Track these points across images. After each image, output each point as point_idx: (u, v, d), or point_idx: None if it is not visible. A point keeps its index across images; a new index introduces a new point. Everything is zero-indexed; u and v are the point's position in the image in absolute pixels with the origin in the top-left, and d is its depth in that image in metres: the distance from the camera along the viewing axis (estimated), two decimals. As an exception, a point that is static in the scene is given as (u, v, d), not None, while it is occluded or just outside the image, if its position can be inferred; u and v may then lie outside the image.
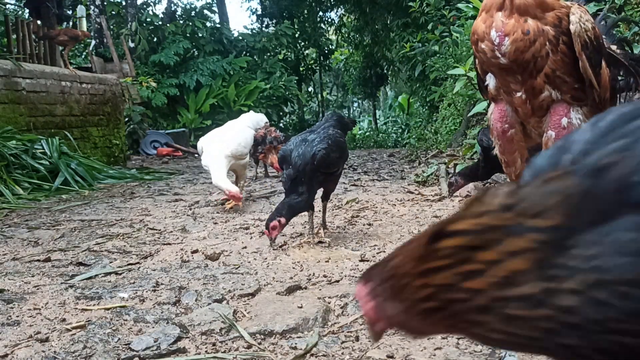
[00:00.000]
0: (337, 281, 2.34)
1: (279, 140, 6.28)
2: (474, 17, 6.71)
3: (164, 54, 15.64)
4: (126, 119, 11.04)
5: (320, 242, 3.00)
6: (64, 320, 1.96)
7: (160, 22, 17.09)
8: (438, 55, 8.67)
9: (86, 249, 3.10)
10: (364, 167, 8.10)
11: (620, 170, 0.62)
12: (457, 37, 7.29)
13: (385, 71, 21.02)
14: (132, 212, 4.43)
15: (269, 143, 6.34)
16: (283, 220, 2.85)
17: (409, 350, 1.64)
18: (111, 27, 16.10)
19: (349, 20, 21.62)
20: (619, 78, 2.33)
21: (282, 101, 17.93)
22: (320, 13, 21.91)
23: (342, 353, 1.65)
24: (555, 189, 0.65)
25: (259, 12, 22.01)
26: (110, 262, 2.79)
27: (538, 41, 1.90)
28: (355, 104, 29.09)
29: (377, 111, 24.25)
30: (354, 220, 3.68)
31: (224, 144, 4.31)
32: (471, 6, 6.42)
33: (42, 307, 2.09)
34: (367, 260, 2.65)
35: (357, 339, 1.74)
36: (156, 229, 3.63)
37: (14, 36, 8.47)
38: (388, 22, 17.78)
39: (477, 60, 2.16)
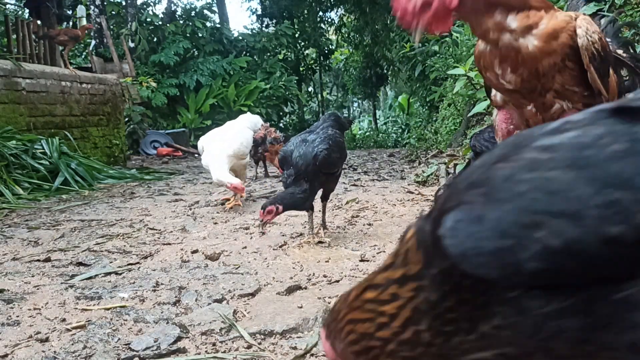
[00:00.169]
0: (337, 281, 2.34)
1: (278, 141, 6.29)
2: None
3: (164, 54, 15.64)
4: (126, 119, 11.05)
5: (320, 242, 3.00)
6: (64, 320, 1.96)
7: (160, 22, 17.09)
8: (438, 55, 8.67)
9: (86, 249, 3.10)
10: (364, 167, 8.10)
11: (442, 217, 0.67)
12: (457, 37, 7.29)
13: (385, 71, 21.03)
14: (132, 212, 4.43)
15: (269, 144, 6.34)
16: (281, 208, 2.85)
17: None
18: (111, 27, 16.10)
19: (349, 20, 21.62)
20: (624, 79, 2.33)
21: (282, 101, 17.93)
22: (320, 13, 21.91)
23: (342, 353, 1.65)
24: (420, 234, 0.72)
25: (259, 12, 22.01)
26: (110, 262, 2.79)
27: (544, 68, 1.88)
28: (355, 104, 29.09)
29: (377, 111, 24.24)
30: (354, 220, 3.68)
31: (226, 143, 4.31)
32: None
33: (42, 307, 2.09)
34: (367, 260, 2.65)
35: (357, 339, 1.74)
36: (156, 229, 3.63)
37: (14, 36, 8.47)
38: (388, 22, 17.79)
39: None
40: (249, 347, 1.71)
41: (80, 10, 12.86)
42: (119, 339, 1.78)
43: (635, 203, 0.56)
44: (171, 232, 3.54)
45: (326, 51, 22.47)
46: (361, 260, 2.65)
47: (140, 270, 2.62)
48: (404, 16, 1.80)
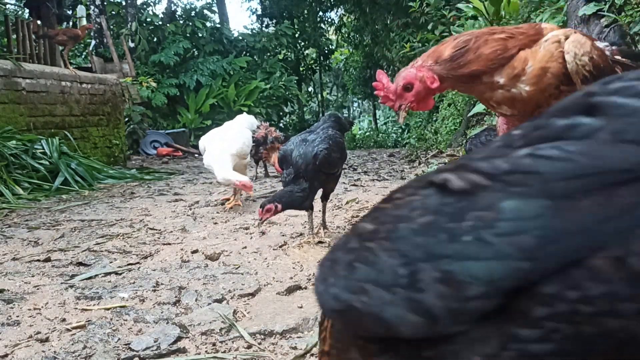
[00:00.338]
0: (337, 281, 2.34)
1: (279, 140, 6.29)
2: (474, 17, 6.72)
3: (164, 54, 15.64)
4: (126, 119, 11.05)
5: (320, 242, 3.00)
6: (64, 320, 1.96)
7: (160, 22, 17.09)
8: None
9: (86, 249, 3.10)
10: (364, 167, 8.10)
11: None
12: (457, 37, 7.28)
13: (385, 71, 21.00)
14: (132, 212, 4.43)
15: (269, 143, 6.34)
16: (280, 207, 2.85)
17: None
18: (111, 27, 16.10)
19: (349, 20, 21.62)
20: None
21: (282, 101, 17.94)
22: (320, 13, 21.92)
23: (342, 353, 1.65)
24: None
25: (259, 12, 22.03)
26: (110, 262, 2.79)
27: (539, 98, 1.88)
28: (355, 104, 29.10)
29: (377, 111, 24.24)
30: (354, 220, 3.68)
31: (229, 142, 4.31)
32: (471, 6, 6.42)
33: (42, 307, 2.09)
34: (367, 260, 2.64)
35: (357, 339, 1.74)
36: (156, 229, 3.63)
37: (14, 36, 8.47)
38: (388, 22, 17.79)
39: None
40: (249, 347, 1.71)
41: (80, 10, 12.87)
42: (119, 339, 1.78)
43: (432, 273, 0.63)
44: (171, 232, 3.54)
45: (326, 51, 22.48)
46: (361, 260, 2.64)
47: (140, 270, 2.62)
48: (387, 98, 1.84)
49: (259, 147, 6.37)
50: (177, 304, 2.11)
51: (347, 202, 4.38)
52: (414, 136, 10.82)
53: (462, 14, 7.25)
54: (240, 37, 18.26)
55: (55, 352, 1.68)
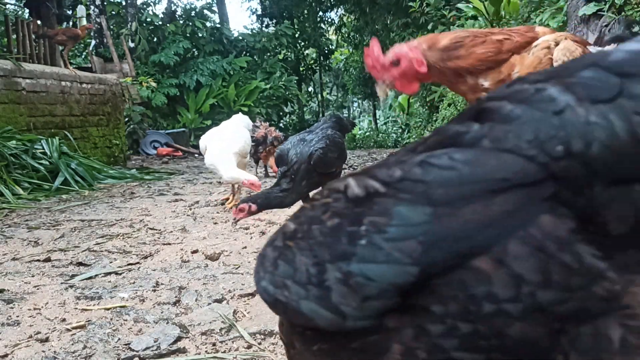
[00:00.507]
0: (337, 281, 2.34)
1: (279, 140, 6.29)
2: (474, 17, 6.72)
3: (164, 54, 15.64)
4: (126, 119, 11.05)
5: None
6: (64, 320, 1.96)
7: (160, 22, 17.08)
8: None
9: (86, 249, 3.10)
10: (364, 167, 8.09)
11: None
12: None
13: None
14: (132, 212, 4.43)
15: (269, 143, 6.34)
16: (254, 207, 2.83)
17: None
18: (111, 27, 16.10)
19: (349, 20, 21.61)
20: None
21: (282, 101, 17.93)
22: (320, 13, 21.91)
23: (342, 353, 1.65)
24: None
25: (259, 12, 22.02)
26: (110, 262, 2.79)
27: None
28: (355, 104, 29.09)
29: (377, 111, 24.24)
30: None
31: (230, 141, 4.31)
32: (471, 6, 6.42)
33: (42, 307, 2.09)
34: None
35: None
36: (156, 229, 3.63)
37: (14, 36, 8.47)
38: (388, 22, 17.77)
39: None
40: (249, 347, 1.71)
41: (80, 10, 12.86)
42: (119, 339, 1.78)
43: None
44: (171, 232, 3.54)
45: (326, 51, 22.47)
46: (361, 260, 2.64)
47: (140, 270, 2.62)
48: (374, 67, 1.85)
49: (258, 147, 6.37)
50: (177, 304, 2.11)
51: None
52: (414, 136, 10.82)
53: (462, 14, 7.25)
54: (240, 37, 18.25)
55: (55, 352, 1.68)
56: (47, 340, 1.77)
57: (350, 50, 23.15)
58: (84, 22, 12.17)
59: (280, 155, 2.97)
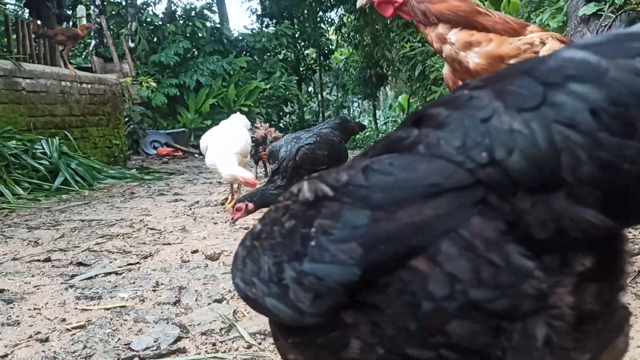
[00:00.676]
0: (337, 281, 2.34)
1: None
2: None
3: (164, 54, 15.63)
4: (126, 119, 11.04)
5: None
6: (64, 320, 1.96)
7: (160, 22, 17.07)
8: (438, 55, 8.64)
9: (86, 249, 3.10)
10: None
11: None
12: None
13: (385, 71, 21.00)
14: (132, 212, 4.43)
15: (269, 143, 6.34)
16: (251, 206, 2.83)
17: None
18: (111, 27, 16.09)
19: (349, 20, 21.59)
20: None
21: (282, 101, 17.92)
22: (320, 13, 21.89)
23: (342, 353, 1.64)
24: None
25: (259, 12, 22.01)
26: (110, 262, 2.79)
27: None
28: (355, 104, 29.08)
29: (377, 111, 24.23)
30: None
31: (231, 141, 4.32)
32: (471, 6, 6.41)
33: (42, 307, 2.09)
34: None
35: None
36: (156, 229, 3.63)
37: (14, 36, 8.47)
38: (388, 22, 17.76)
39: None
40: (249, 347, 1.71)
41: (80, 10, 12.87)
42: (119, 339, 1.78)
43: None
44: (171, 232, 3.54)
45: (326, 51, 22.45)
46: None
47: (140, 270, 2.62)
48: None
49: (258, 147, 6.37)
50: (177, 304, 2.11)
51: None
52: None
53: (462, 14, 7.22)
54: (240, 37, 18.24)
55: (55, 352, 1.68)
56: (47, 340, 1.77)
57: (350, 50, 23.14)
58: (84, 22, 12.17)
59: (272, 152, 2.98)
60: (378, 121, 23.44)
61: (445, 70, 2.08)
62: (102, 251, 3.04)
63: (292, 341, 0.81)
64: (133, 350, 1.68)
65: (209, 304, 2.08)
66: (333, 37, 23.40)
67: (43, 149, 6.32)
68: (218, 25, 18.32)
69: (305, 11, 21.43)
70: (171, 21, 17.23)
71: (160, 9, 19.90)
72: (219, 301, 2.11)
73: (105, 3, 14.24)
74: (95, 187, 6.21)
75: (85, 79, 8.60)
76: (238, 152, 4.26)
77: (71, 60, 10.19)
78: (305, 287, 0.71)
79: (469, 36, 1.85)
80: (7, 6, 13.35)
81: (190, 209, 4.47)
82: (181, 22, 17.13)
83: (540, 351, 0.63)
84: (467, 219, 0.63)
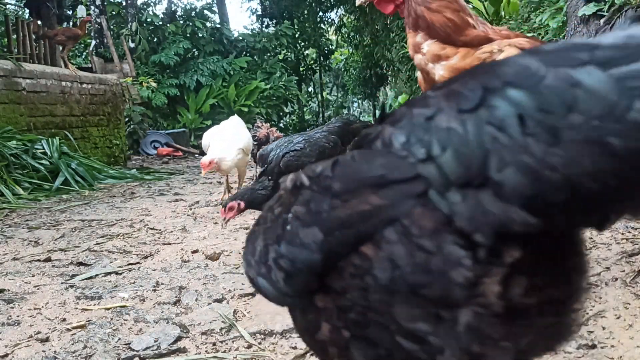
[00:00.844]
0: (337, 281, 2.34)
1: (280, 141, 6.29)
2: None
3: (164, 54, 15.63)
4: (126, 119, 11.05)
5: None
6: (64, 320, 1.96)
7: (160, 22, 17.07)
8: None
9: (86, 249, 3.10)
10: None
11: None
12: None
13: (385, 71, 21.01)
14: (132, 212, 4.43)
15: (272, 142, 6.35)
16: (242, 205, 2.83)
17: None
18: (111, 27, 16.09)
19: (349, 20, 21.61)
20: None
21: (282, 101, 17.93)
22: (320, 13, 21.92)
23: (342, 353, 1.65)
24: None
25: (259, 13, 22.03)
26: (111, 262, 2.79)
27: None
28: (355, 104, 29.09)
29: (377, 111, 24.22)
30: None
31: (234, 137, 4.33)
32: (471, 6, 6.41)
33: (43, 307, 2.09)
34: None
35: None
36: (156, 229, 3.64)
37: (14, 36, 8.47)
38: (388, 22, 17.77)
39: None
40: (249, 346, 1.71)
41: (81, 10, 12.87)
42: (119, 338, 1.78)
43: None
44: (171, 232, 3.54)
45: (326, 51, 22.48)
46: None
47: (140, 270, 2.62)
48: None
49: (260, 147, 6.38)
50: (177, 304, 2.11)
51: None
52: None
53: (462, 14, 7.21)
54: (241, 38, 18.25)
55: (55, 352, 1.68)
56: (47, 340, 1.78)
57: (350, 50, 23.15)
58: (84, 15, 12.16)
59: (262, 155, 2.98)
60: (378, 121, 23.41)
61: (418, 75, 2.11)
62: (102, 251, 3.04)
63: (292, 315, 0.87)
64: (133, 350, 1.68)
65: (209, 303, 2.08)
66: (333, 37, 23.42)
67: (43, 149, 6.33)
68: (218, 26, 18.32)
69: (305, 11, 21.45)
70: (171, 21, 17.24)
71: (160, 9, 19.88)
72: (219, 301, 2.11)
73: (105, 3, 14.24)
74: (96, 187, 6.21)
75: (86, 79, 8.60)
76: (241, 148, 4.28)
77: (71, 61, 10.19)
78: (280, 267, 0.78)
79: (440, 49, 1.90)
80: (8, 6, 13.36)
81: (191, 209, 4.48)
82: (181, 22, 17.14)
83: (463, 337, 0.66)
84: (410, 209, 0.67)
